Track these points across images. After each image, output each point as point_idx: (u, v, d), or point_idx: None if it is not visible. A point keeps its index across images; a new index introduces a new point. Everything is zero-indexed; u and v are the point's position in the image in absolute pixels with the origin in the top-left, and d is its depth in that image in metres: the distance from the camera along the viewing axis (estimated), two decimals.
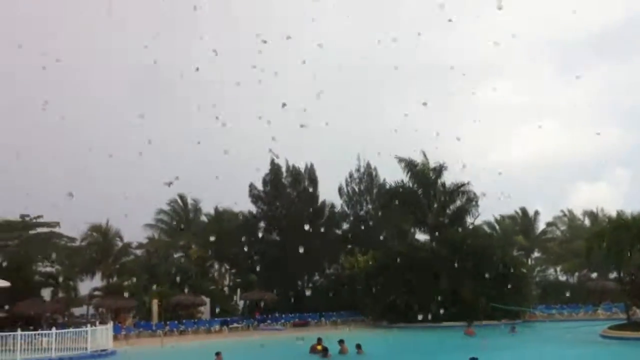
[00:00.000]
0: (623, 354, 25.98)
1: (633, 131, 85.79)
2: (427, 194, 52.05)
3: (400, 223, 54.25)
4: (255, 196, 60.15)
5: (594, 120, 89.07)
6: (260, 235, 58.91)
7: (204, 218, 62.78)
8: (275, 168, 59.77)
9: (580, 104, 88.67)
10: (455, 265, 46.11)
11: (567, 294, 55.36)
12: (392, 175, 53.32)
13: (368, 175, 62.04)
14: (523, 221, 66.15)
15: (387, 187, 55.80)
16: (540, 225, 66.57)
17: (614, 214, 49.49)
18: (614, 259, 34.69)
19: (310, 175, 60.73)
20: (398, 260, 47.16)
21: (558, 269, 64.89)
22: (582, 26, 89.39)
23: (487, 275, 45.74)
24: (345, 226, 62.04)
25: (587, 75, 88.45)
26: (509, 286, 46.36)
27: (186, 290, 51.00)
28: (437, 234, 50.33)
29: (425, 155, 52.21)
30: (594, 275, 58.79)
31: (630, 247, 32.20)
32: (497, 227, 64.55)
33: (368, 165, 62.04)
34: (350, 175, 62.21)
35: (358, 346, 26.19)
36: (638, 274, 35.24)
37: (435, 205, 52.06)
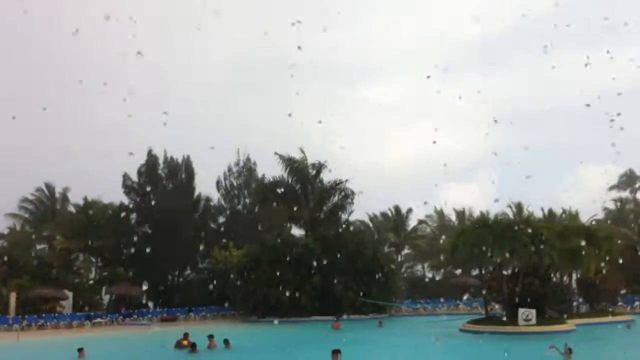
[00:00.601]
0: (478, 346, 27.21)
1: (503, 135, 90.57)
2: (305, 190, 52.49)
3: (277, 218, 54.32)
4: (128, 187, 58.08)
5: (467, 122, 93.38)
6: (132, 227, 57.11)
7: (72, 208, 59.85)
8: (151, 159, 58.02)
9: (456, 107, 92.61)
10: (328, 260, 46.86)
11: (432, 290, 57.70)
12: (275, 170, 53.41)
13: (247, 170, 61.62)
14: (395, 219, 68.17)
15: (266, 182, 55.71)
16: (412, 223, 68.98)
17: (479, 213, 52.32)
18: (476, 257, 36.27)
19: (187, 167, 59.47)
20: (272, 255, 47.22)
21: (426, 265, 67.54)
22: (461, 30, 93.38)
23: (357, 271, 46.83)
24: (221, 220, 61.30)
25: (464, 78, 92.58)
26: (378, 282, 47.73)
27: (48, 284, 48.36)
28: (312, 229, 50.89)
29: (303, 152, 52.72)
30: (458, 271, 61.76)
31: (491, 246, 33.75)
32: (371, 224, 66.16)
33: (247, 160, 61.64)
34: (229, 169, 61.56)
35: (226, 341, 26.04)
36: (497, 271, 37.25)
37: (312, 202, 52.63)
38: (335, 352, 18.84)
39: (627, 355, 22.41)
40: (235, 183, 61.74)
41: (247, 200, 61.21)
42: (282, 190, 51.52)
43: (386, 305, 48.05)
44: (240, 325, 42.86)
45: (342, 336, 29.92)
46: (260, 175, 60.28)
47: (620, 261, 36.92)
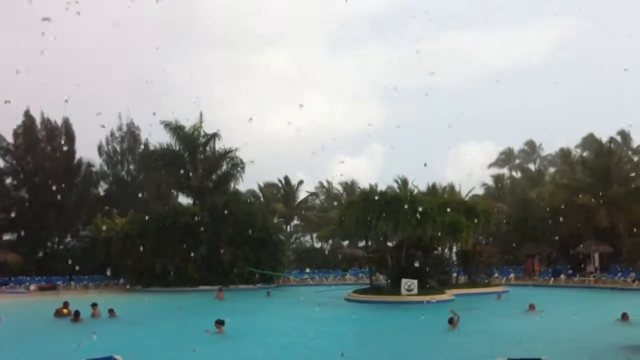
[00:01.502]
0: (359, 314, 27.91)
1: (393, 110, 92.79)
2: (194, 158, 51.39)
3: (164, 186, 52.91)
4: (3, 149, 54.65)
5: (359, 96, 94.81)
6: (7, 191, 53.93)
7: None
8: (28, 121, 54.76)
9: (349, 80, 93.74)
10: (216, 229, 46.31)
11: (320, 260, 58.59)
12: (164, 137, 51.75)
13: (130, 135, 59.46)
14: (286, 190, 68.39)
15: (152, 148, 53.94)
16: (302, 195, 69.46)
17: (367, 186, 53.49)
18: (362, 229, 37.00)
19: (67, 130, 56.58)
20: (157, 223, 46.04)
21: (314, 236, 68.39)
22: (357, 5, 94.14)
23: (246, 241, 46.62)
24: (104, 186, 59.04)
25: (358, 53, 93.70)
26: (267, 252, 47.77)
27: None
28: (200, 198, 50.03)
29: (199, 119, 51.45)
30: (346, 243, 62.99)
31: (376, 219, 34.49)
32: (261, 194, 65.98)
33: (131, 124, 59.49)
34: (112, 134, 59.18)
35: (111, 310, 25.35)
36: (382, 243, 38.24)
37: (201, 170, 51.67)
38: (219, 323, 18.66)
39: (496, 321, 23.72)
40: (118, 148, 59.53)
41: (132, 167, 59.24)
42: (169, 157, 50.27)
43: (274, 276, 48.24)
44: (124, 295, 41.63)
45: (227, 306, 29.81)
46: (148, 142, 58.38)
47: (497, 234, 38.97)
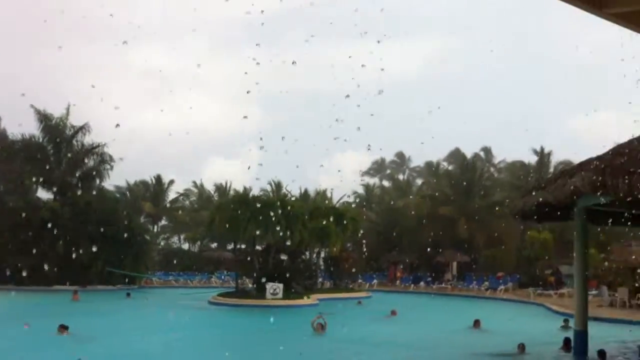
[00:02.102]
0: (221, 317, 27.54)
1: (271, 114, 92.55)
2: (59, 151, 48.72)
3: (22, 178, 49.57)
4: None
5: (237, 98, 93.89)
6: None
7: None
8: None
9: (227, 82, 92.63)
10: (77, 227, 44.07)
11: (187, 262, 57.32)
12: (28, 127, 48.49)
13: None
14: (156, 188, 66.26)
15: (10, 137, 50.40)
16: (172, 195, 67.65)
17: (242, 189, 52.96)
18: (231, 231, 36.67)
19: None
20: (12, 218, 43.03)
21: (182, 237, 66.83)
22: (238, 7, 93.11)
23: (108, 240, 44.59)
24: None
25: (238, 55, 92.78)
26: (130, 252, 46.06)
27: None
28: (62, 193, 47.43)
29: (66, 111, 48.74)
30: (214, 245, 62.10)
31: (246, 222, 34.32)
32: (128, 192, 63.58)
33: None
34: None
35: None
36: (250, 246, 38.04)
37: (65, 164, 49.07)
38: (62, 328, 17.75)
39: (359, 326, 24.09)
40: None
41: None
42: (32, 148, 47.36)
43: (136, 277, 46.59)
44: None
45: (81, 307, 28.34)
46: (6, 131, 54.49)
47: (364, 241, 40.00)
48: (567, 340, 16.45)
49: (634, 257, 33.65)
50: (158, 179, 66.11)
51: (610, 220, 18.38)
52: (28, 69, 69.06)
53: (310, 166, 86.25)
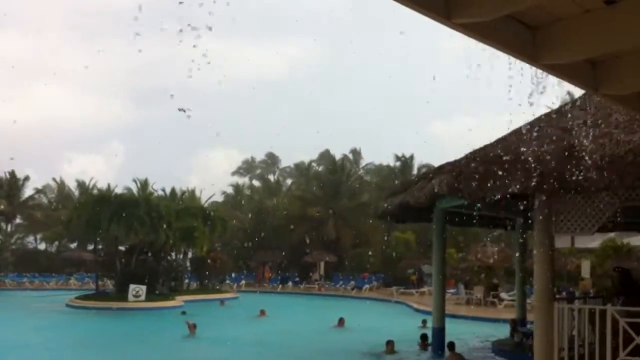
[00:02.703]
0: (78, 321, 26.16)
1: (138, 110, 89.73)
2: None
3: None
4: None
5: (103, 93, 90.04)
6: None
7: None
8: None
9: (93, 75, 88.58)
10: None
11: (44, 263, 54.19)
12: None
13: None
14: (10, 185, 61.97)
15: None
16: (28, 192, 63.57)
17: (105, 186, 50.71)
18: (92, 231, 35.03)
19: None
20: None
21: (39, 236, 63.00)
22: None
23: None
24: None
25: (106, 48, 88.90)
26: None
27: None
28: None
29: None
30: (74, 245, 59.04)
31: (108, 221, 32.87)
32: None
33: None
34: None
35: None
36: (112, 246, 36.43)
37: None
38: None
39: (218, 328, 23.65)
40: None
41: None
42: None
43: None
44: None
45: None
46: None
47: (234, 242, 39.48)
48: (423, 337, 17.03)
49: (488, 257, 35.66)
50: (12, 174, 61.88)
51: (467, 221, 19.33)
52: None
53: (179, 164, 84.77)
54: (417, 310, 29.24)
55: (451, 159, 13.11)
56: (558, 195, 10.14)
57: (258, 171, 79.27)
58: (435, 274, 17.10)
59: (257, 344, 18.36)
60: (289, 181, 71.35)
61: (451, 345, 14.89)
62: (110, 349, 18.64)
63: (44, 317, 27.24)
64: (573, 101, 13.54)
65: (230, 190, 65.86)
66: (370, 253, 50.05)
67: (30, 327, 23.63)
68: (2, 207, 58.23)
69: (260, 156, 77.82)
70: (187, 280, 41.35)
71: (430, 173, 14.67)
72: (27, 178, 62.85)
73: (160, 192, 43.54)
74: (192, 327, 20.24)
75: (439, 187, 12.17)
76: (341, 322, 23.39)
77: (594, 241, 29.51)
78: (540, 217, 10.61)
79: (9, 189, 61.26)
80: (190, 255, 43.22)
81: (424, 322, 20.24)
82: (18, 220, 63.29)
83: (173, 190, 46.69)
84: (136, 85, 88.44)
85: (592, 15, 3.82)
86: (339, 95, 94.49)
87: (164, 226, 34.44)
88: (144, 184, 50.17)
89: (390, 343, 16.35)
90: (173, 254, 41.17)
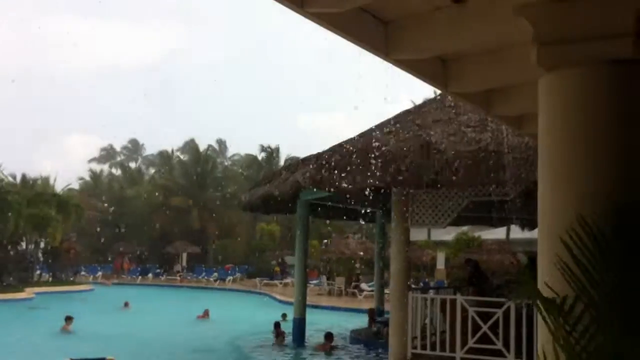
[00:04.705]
0: None
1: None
2: None
3: None
4: None
5: None
6: None
7: None
8: None
9: None
10: None
11: None
12: None
13: None
14: None
15: None
16: None
17: None
18: None
19: None
20: None
21: None
22: None
23: None
24: None
25: None
26: None
27: None
28: None
29: None
30: None
31: None
32: None
33: None
34: None
35: None
36: None
37: None
38: None
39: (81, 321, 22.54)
40: None
41: None
42: None
43: None
44: None
45: None
46: None
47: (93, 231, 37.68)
48: (276, 324, 17.29)
49: (350, 248, 36.49)
50: None
51: (330, 214, 19.68)
52: None
53: (32, 150, 79.84)
54: (280, 302, 29.42)
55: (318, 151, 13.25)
56: (413, 190, 10.47)
57: (119, 158, 76.29)
58: (297, 265, 17.23)
59: (120, 337, 17.65)
60: (152, 170, 69.14)
61: (329, 337, 15.28)
62: None
63: None
64: (431, 99, 14.10)
65: (87, 177, 62.96)
66: (235, 244, 49.81)
67: None
68: None
69: (121, 143, 74.93)
70: (38, 272, 38.99)
71: (295, 165, 14.72)
72: None
73: (10, 179, 40.72)
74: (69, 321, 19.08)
75: (303, 179, 12.23)
76: (206, 313, 23.35)
77: (449, 234, 30.98)
78: (396, 211, 10.93)
79: None
80: (42, 245, 40.74)
81: (284, 315, 20.35)
82: None
83: (24, 177, 43.72)
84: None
85: (442, 13, 3.90)
86: (207, 86, 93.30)
87: (14, 214, 32.33)
88: None
89: (329, 336, 15.68)
90: (23, 243, 38.63)
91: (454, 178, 9.65)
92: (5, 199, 32.00)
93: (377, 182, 10.25)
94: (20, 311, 25.75)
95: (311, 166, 12.12)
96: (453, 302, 10.61)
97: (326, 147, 12.81)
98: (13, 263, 34.66)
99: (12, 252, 35.26)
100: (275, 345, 16.41)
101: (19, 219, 32.78)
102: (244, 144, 79.39)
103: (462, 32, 3.92)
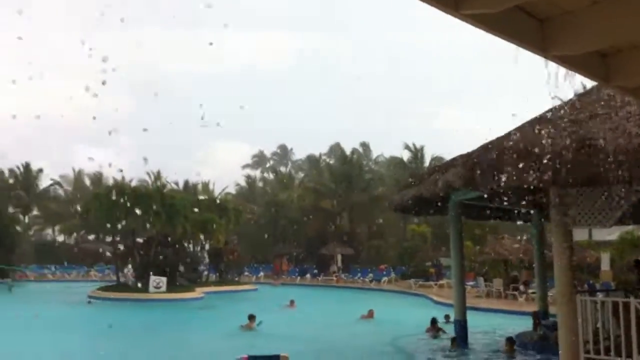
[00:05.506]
0: (99, 312, 26.40)
1: (144, 102, 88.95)
2: None
3: None
4: None
5: (107, 84, 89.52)
6: None
7: None
8: None
9: (93, 66, 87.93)
10: None
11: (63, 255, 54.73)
12: None
13: None
14: (24, 177, 62.27)
15: None
16: (44, 183, 63.97)
17: (119, 178, 50.98)
18: (109, 223, 35.22)
19: None
20: None
21: (57, 228, 63.49)
22: None
23: None
24: None
25: (114, 37, 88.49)
26: (1, 244, 43.40)
27: None
28: None
29: None
30: (92, 237, 59.52)
31: (125, 214, 33.09)
32: None
33: None
34: None
35: None
36: (130, 238, 36.65)
37: None
38: None
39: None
40: None
41: None
42: None
43: (9, 269, 43.92)
44: None
45: None
46: None
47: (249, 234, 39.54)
48: (433, 320, 17.10)
49: (506, 249, 35.31)
50: (26, 167, 62.11)
51: (483, 214, 19.20)
52: None
53: (190, 157, 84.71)
54: (437, 303, 29.09)
55: (460, 151, 13.03)
56: (573, 188, 10.01)
57: (269, 164, 79.36)
58: (454, 266, 16.98)
59: (292, 334, 18.32)
60: (301, 174, 71.13)
61: (511, 341, 14.86)
62: (138, 339, 18.80)
63: (65, 308, 27.54)
64: (581, 93, 13.35)
65: (243, 182, 66.09)
66: (386, 245, 49.99)
67: (61, 317, 23.84)
68: (19, 199, 58.22)
69: (272, 149, 77.83)
70: (205, 272, 41.55)
71: (444, 165, 14.57)
72: (40, 170, 63.11)
73: (174, 185, 43.70)
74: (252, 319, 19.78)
75: (454, 180, 12.08)
76: (370, 313, 23.21)
77: (612, 234, 29.18)
78: (557, 211, 10.48)
79: (24, 180, 61.51)
80: (207, 247, 43.40)
81: (447, 316, 19.84)
82: (35, 212, 63.56)
83: (187, 183, 46.82)
84: (137, 78, 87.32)
85: (601, 6, 3.77)
86: (342, 90, 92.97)
87: (181, 218, 34.57)
88: (157, 176, 50.51)
89: (510, 341, 15.27)
90: (190, 245, 41.36)
91: (617, 175, 9.11)
92: (173, 204, 34.33)
93: (535, 181, 9.88)
94: (192, 310, 27.52)
95: (462, 166, 11.93)
96: (626, 305, 9.99)
97: (462, 146, 12.54)
98: (183, 264, 37.13)
99: (182, 254, 37.79)
100: (429, 334, 16.40)
101: (186, 223, 35.04)
102: (386, 144, 79.32)
103: (623, 25, 3.77)
